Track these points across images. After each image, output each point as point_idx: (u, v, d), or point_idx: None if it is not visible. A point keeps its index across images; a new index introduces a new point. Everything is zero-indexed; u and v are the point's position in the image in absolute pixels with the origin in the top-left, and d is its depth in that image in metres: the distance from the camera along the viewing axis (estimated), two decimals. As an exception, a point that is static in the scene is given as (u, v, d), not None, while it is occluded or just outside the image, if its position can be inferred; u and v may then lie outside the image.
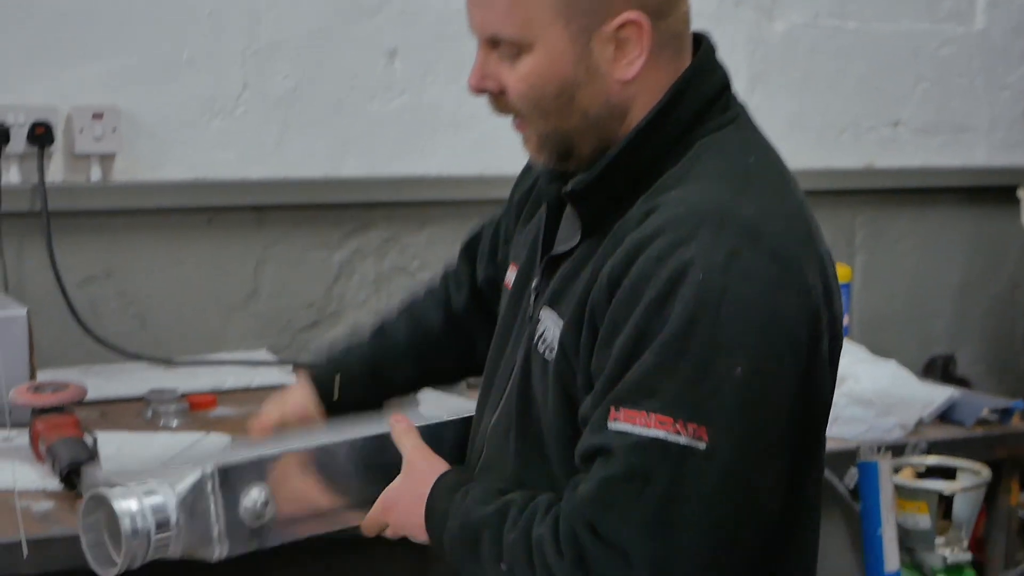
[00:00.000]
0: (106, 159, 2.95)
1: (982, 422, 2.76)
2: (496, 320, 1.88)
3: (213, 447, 2.42)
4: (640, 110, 1.64)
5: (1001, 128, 3.90)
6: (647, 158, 1.63)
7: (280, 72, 3.09)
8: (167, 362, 2.99)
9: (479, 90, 1.67)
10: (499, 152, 3.23)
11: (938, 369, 3.82)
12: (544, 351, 1.67)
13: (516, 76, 1.62)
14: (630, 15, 1.59)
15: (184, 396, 2.70)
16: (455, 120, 3.25)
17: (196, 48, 3.01)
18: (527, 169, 1.99)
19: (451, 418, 1.87)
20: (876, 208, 3.78)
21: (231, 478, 1.68)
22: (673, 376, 1.48)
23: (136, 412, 2.67)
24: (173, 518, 1.64)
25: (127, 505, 1.64)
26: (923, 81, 3.79)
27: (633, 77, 1.62)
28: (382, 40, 3.17)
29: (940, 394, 2.78)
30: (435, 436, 1.82)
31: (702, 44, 1.69)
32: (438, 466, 1.74)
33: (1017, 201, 3.68)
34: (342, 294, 3.20)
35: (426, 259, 3.28)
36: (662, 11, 1.62)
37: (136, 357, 2.98)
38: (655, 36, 1.61)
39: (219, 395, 2.79)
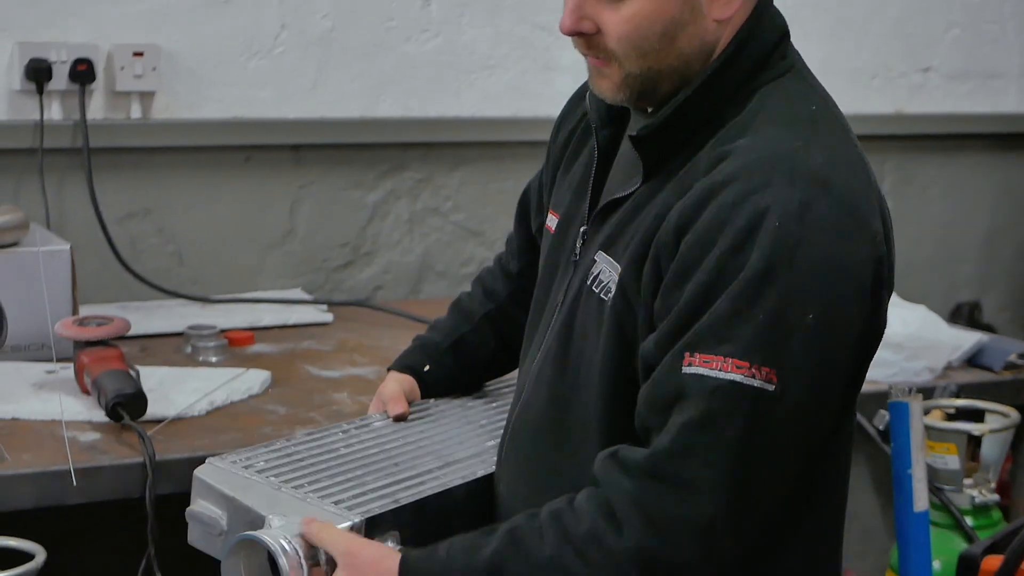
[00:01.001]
0: (146, 97, 2.98)
1: (1010, 366, 2.79)
2: None
3: (254, 381, 2.47)
4: (723, 49, 1.66)
5: (1032, 74, 3.91)
6: (712, 105, 1.65)
7: (318, 12, 3.11)
8: (205, 299, 3.03)
9: (574, 31, 1.66)
10: (532, 95, 3.29)
11: (964, 315, 3.85)
12: (600, 292, 1.69)
13: (621, 17, 1.62)
14: None
15: (222, 332, 2.74)
16: (489, 62, 3.27)
17: (235, -13, 3.04)
18: (564, 117, 2.00)
19: (403, 503, 1.81)
20: (905, 154, 3.79)
21: (374, 527, 1.71)
22: (749, 321, 1.51)
23: (176, 347, 2.71)
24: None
25: (282, 544, 1.66)
26: (954, 27, 3.80)
27: (729, 16, 1.64)
28: (419, -19, 3.19)
29: (968, 338, 2.81)
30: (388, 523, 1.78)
31: None
32: (385, 549, 1.66)
33: (1046, 148, 3.70)
34: (376, 234, 3.24)
35: (459, 200, 3.31)
36: None
37: (174, 294, 3.02)
38: None
39: (256, 332, 2.83)
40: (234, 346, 2.73)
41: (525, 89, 3.29)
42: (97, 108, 2.95)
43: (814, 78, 1.72)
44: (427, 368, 2.11)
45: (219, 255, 3.11)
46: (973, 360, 2.81)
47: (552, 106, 3.20)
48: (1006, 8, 3.84)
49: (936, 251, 3.87)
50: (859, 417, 2.50)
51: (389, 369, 2.16)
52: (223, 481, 1.80)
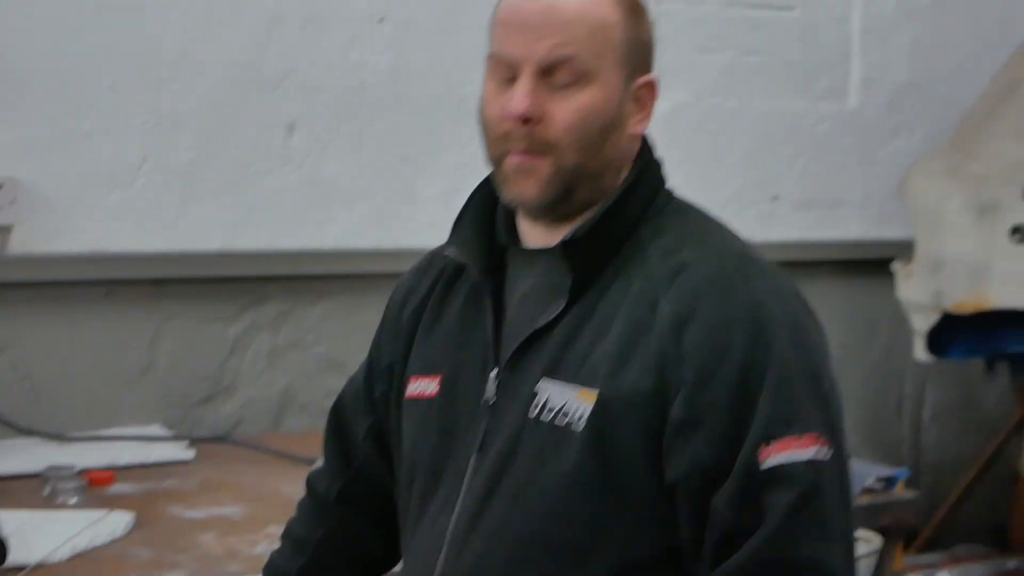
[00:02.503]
0: (3, 231, 2.94)
1: (868, 490, 2.85)
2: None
3: (117, 524, 2.42)
4: (628, 168, 1.73)
5: (874, 203, 4.03)
6: (632, 215, 1.71)
7: (180, 144, 3.10)
8: (62, 437, 2.96)
9: (529, 114, 1.66)
10: (394, 226, 3.31)
11: (817, 438, 3.91)
12: (554, 419, 1.66)
13: (571, 106, 1.66)
14: (652, 76, 1.73)
15: (82, 472, 2.68)
16: (351, 194, 3.28)
17: (96, 119, 3.01)
18: (409, 291, 1.92)
19: None
20: (757, 281, 3.87)
21: None
22: (797, 401, 1.60)
23: (33, 489, 2.64)
24: None
25: None
26: (800, 157, 3.91)
27: (639, 133, 1.73)
28: (281, 114, 3.20)
29: (828, 465, 2.86)
30: None
31: None
32: None
33: (890, 273, 3.80)
34: (237, 368, 3.21)
35: (321, 333, 3.30)
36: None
37: (30, 432, 2.95)
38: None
39: (117, 471, 2.77)
40: (94, 486, 2.67)
41: (387, 221, 3.30)
42: (-48, 243, 2.90)
43: None
44: None
45: (77, 391, 3.05)
46: (833, 486, 2.86)
47: (414, 237, 3.26)
48: (849, 139, 3.98)
49: (788, 375, 3.94)
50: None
51: None
52: None
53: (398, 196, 3.32)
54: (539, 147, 1.68)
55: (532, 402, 1.69)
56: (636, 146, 1.73)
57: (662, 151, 3.74)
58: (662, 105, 3.54)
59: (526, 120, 1.67)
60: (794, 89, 3.88)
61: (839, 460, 1.62)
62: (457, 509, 1.75)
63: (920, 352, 3.73)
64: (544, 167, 1.68)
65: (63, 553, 2.27)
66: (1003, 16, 4.10)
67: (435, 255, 1.88)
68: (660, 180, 1.77)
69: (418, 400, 1.83)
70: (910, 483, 3.96)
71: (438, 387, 1.81)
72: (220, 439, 3.11)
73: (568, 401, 1.66)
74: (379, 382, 1.92)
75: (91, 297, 3.05)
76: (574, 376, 1.66)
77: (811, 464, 1.58)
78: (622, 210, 1.71)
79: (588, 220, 1.70)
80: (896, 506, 2.88)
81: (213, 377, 3.19)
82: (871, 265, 3.98)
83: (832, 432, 1.62)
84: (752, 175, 3.85)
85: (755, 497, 1.58)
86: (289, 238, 3.23)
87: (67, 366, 3.04)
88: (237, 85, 3.14)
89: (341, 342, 3.31)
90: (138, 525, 2.46)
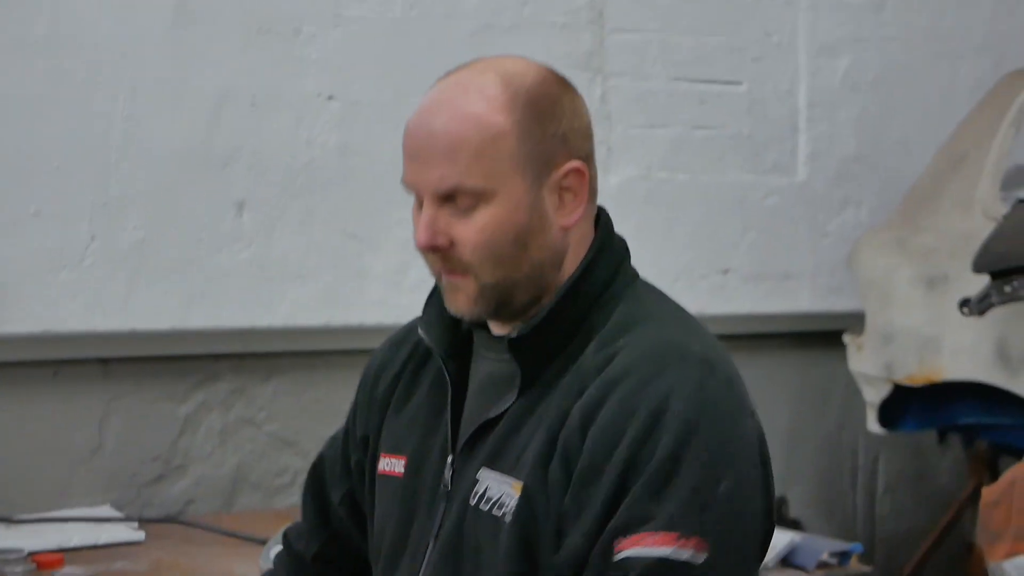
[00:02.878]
0: (-50, 313, 2.92)
1: (822, 565, 2.84)
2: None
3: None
4: (572, 258, 1.72)
5: (824, 274, 4.06)
6: (579, 311, 1.70)
7: (129, 224, 3.10)
8: (9, 519, 2.93)
9: (431, 247, 1.68)
10: (344, 303, 3.31)
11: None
12: (491, 508, 1.68)
13: (474, 228, 1.66)
14: (575, 163, 1.69)
15: (30, 555, 2.65)
16: (301, 272, 3.28)
17: (43, 200, 3.01)
18: (383, 365, 1.94)
19: None
20: (709, 353, 3.87)
21: None
22: (668, 499, 1.57)
23: (-19, 573, 2.61)
24: None
25: None
26: (750, 230, 3.94)
27: (573, 224, 1.70)
28: (231, 192, 3.20)
29: (781, 539, 2.86)
30: None
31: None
32: None
33: (842, 345, 3.81)
34: (188, 447, 3.19)
35: (272, 410, 3.28)
36: (591, 158, 1.73)
37: (-23, 515, 2.92)
38: (589, 183, 1.71)
39: (66, 553, 2.74)
40: (43, 569, 2.63)
41: (337, 298, 3.30)
42: (-102, 325, 2.88)
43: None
44: None
45: (25, 472, 3.02)
46: (787, 560, 2.86)
47: (364, 314, 3.28)
48: (797, 211, 4.00)
49: (742, 448, 3.94)
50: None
51: None
52: None
53: (347, 273, 3.32)
54: (458, 267, 1.69)
55: (472, 490, 1.70)
56: (577, 235, 1.72)
57: (614, 225, 3.78)
58: (611, 180, 3.68)
59: (433, 249, 1.68)
60: (743, 162, 3.91)
61: (723, 566, 1.58)
62: None
63: (872, 424, 3.73)
64: (469, 285, 1.70)
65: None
66: (947, 90, 4.15)
67: (411, 328, 1.89)
68: (615, 264, 1.75)
69: (388, 477, 1.85)
70: (865, 557, 3.97)
71: (403, 468, 1.83)
72: (171, 519, 3.09)
73: (504, 492, 1.68)
74: (354, 451, 1.95)
75: (40, 377, 3.03)
76: (511, 468, 1.68)
77: (663, 562, 1.55)
78: (569, 305, 1.71)
79: (532, 320, 1.71)
80: (850, 581, 2.88)
81: (163, 456, 3.16)
82: (823, 337, 3.99)
83: (714, 536, 1.57)
84: (703, 248, 3.87)
85: None
86: (239, 316, 3.23)
87: (15, 446, 3.01)
88: (185, 164, 3.14)
89: (293, 420, 3.29)
90: (86, 610, 2.43)
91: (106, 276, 3.08)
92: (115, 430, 3.11)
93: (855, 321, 3.83)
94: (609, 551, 1.57)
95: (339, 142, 3.30)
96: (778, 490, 3.95)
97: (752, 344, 3.96)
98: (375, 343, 3.14)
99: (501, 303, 1.71)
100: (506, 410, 1.72)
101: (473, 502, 1.70)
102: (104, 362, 3.09)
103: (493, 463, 1.70)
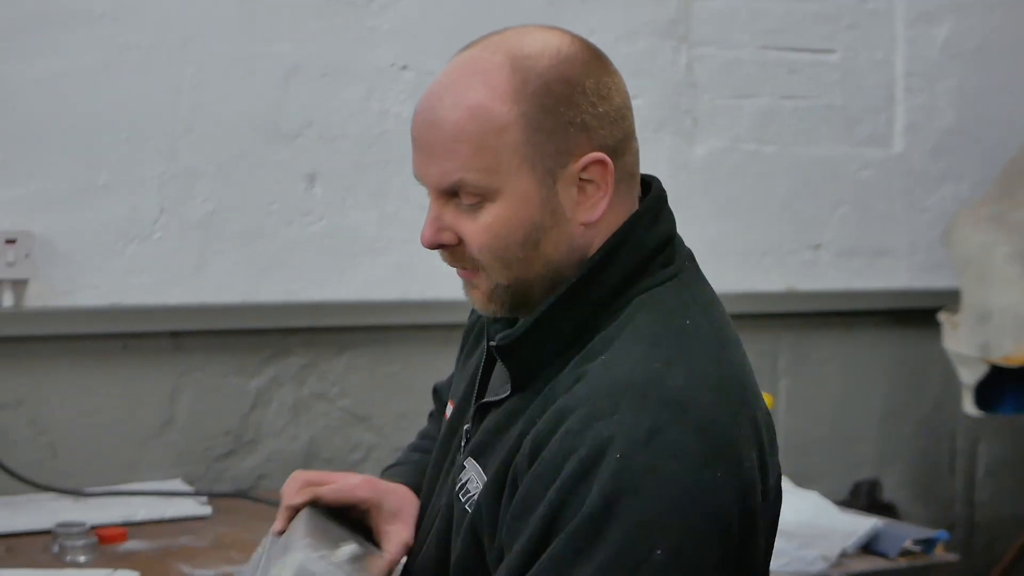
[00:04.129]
0: (18, 285, 2.90)
1: (906, 553, 2.73)
2: None
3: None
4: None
5: (921, 251, 3.93)
6: (579, 316, 1.56)
7: (198, 196, 3.06)
8: (78, 493, 2.91)
9: (435, 245, 1.57)
10: (419, 277, 3.24)
11: (863, 494, 3.81)
12: (466, 502, 1.60)
13: (479, 226, 1.53)
14: (595, 155, 1.54)
15: (93, 529, 2.63)
16: (374, 245, 3.23)
17: (112, 172, 2.97)
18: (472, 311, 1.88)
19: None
20: (799, 332, 3.78)
21: None
22: (589, 560, 1.39)
23: (43, 546, 2.59)
24: None
25: None
26: (843, 204, 3.82)
27: (598, 218, 1.56)
28: (301, 164, 3.15)
29: (863, 524, 2.75)
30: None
31: (651, 188, 1.63)
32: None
33: (938, 323, 3.69)
34: (259, 422, 3.15)
35: (345, 386, 3.24)
36: (619, 150, 1.56)
37: (46, 488, 2.90)
38: (617, 174, 1.56)
39: (130, 528, 2.72)
40: (105, 543, 2.62)
41: (412, 271, 3.24)
42: (-33, 297, 2.87)
43: (701, 285, 1.62)
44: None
45: (95, 446, 3.00)
46: (869, 547, 2.75)
47: (439, 288, 3.21)
48: (894, 185, 3.87)
49: (834, 429, 3.84)
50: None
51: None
52: None
53: (422, 247, 3.25)
54: (469, 264, 1.58)
55: (459, 476, 1.63)
56: (605, 228, 1.57)
57: (700, 198, 3.71)
58: (697, 151, 3.58)
59: (439, 246, 1.58)
60: (835, 134, 3.79)
61: None
62: (418, 561, 1.71)
63: (968, 407, 3.61)
64: (482, 283, 1.58)
65: (57, 614, 2.22)
66: (1052, 58, 4.00)
67: None
68: (635, 263, 1.57)
69: (444, 420, 1.80)
70: (963, 542, 3.85)
71: (450, 416, 1.77)
72: (242, 494, 3.05)
73: (476, 489, 1.59)
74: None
75: (109, 350, 3.01)
76: (487, 467, 1.58)
77: None
78: (560, 314, 1.56)
79: (520, 326, 1.58)
80: (935, 570, 2.75)
81: (235, 431, 3.13)
82: (920, 315, 3.87)
83: None
84: (792, 223, 3.76)
85: None
86: (311, 289, 3.18)
87: (85, 421, 2.99)
88: (255, 135, 3.10)
89: (366, 395, 3.24)
90: (143, 584, 2.40)
91: (176, 248, 3.04)
92: (186, 404, 3.08)
93: (954, 298, 3.71)
94: None
95: (412, 113, 3.22)
96: (872, 473, 3.85)
97: (845, 322, 3.85)
98: (449, 317, 3.10)
99: (516, 302, 1.58)
100: (503, 400, 1.62)
101: (457, 488, 1.63)
102: (175, 335, 3.05)
103: (479, 454, 1.61)
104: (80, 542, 2.57)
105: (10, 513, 2.74)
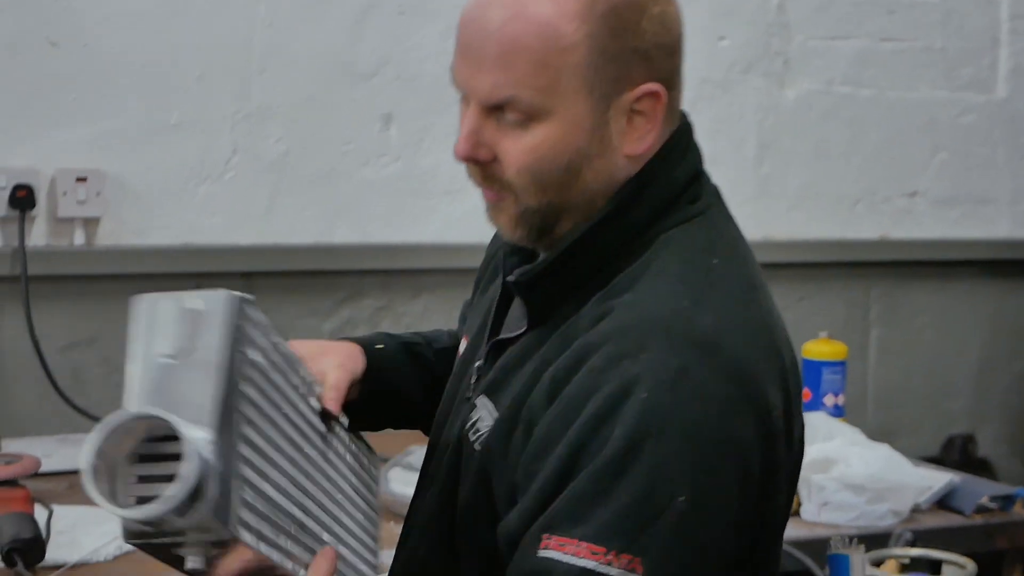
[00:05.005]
0: (90, 223, 2.91)
1: (981, 510, 2.64)
2: None
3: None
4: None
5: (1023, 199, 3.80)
6: (602, 253, 1.50)
7: (271, 136, 3.04)
8: (148, 431, 2.92)
9: (469, 159, 1.50)
10: (496, 220, 3.19)
11: (957, 449, 3.71)
12: (475, 441, 1.55)
13: (522, 147, 1.45)
14: (652, 86, 1.47)
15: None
16: (451, 187, 3.19)
17: (184, 111, 2.97)
18: (491, 242, 1.85)
19: None
20: (892, 281, 3.68)
21: None
22: (608, 503, 1.34)
23: (105, 484, 2.60)
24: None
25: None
26: (941, 151, 3.70)
27: (643, 152, 1.49)
28: (377, 105, 3.12)
29: (939, 479, 2.66)
30: None
31: (680, 124, 1.56)
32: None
33: (1040, 275, 3.58)
34: (332, 363, 3.13)
35: (421, 329, 3.19)
36: (675, 83, 1.50)
37: (117, 426, 2.91)
38: (666, 110, 1.49)
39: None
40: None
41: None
42: (39, 235, 2.89)
43: (729, 224, 1.56)
44: (379, 346, 1.81)
45: (166, 385, 3.01)
46: (944, 502, 2.66)
47: (516, 232, 3.16)
48: (996, 132, 3.74)
49: (927, 382, 3.74)
50: (811, 566, 2.37)
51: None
52: None
53: (497, 188, 3.21)
54: (497, 185, 1.50)
55: (471, 414, 1.57)
56: (636, 166, 1.50)
57: (790, 142, 3.62)
58: (788, 94, 3.49)
59: (472, 161, 1.50)
60: (935, 78, 3.67)
61: None
62: (422, 501, 1.66)
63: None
64: (510, 206, 1.51)
65: (108, 551, 2.22)
66: None
67: None
68: (663, 200, 1.51)
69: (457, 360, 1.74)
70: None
71: (462, 353, 1.72)
72: (313, 437, 3.04)
73: (487, 426, 1.53)
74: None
75: (180, 290, 2.99)
76: (498, 405, 1.53)
77: (586, 572, 1.32)
78: (584, 249, 1.50)
79: (541, 261, 1.52)
80: (1012, 528, 2.66)
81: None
82: (1020, 265, 3.75)
83: (653, 558, 1.33)
84: (888, 169, 3.65)
85: None
86: (386, 231, 3.15)
87: (157, 360, 3.00)
88: (329, 74, 3.07)
89: (442, 339, 3.21)
90: (195, 524, 2.39)
91: (248, 189, 3.03)
92: (258, 345, 3.07)
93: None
94: (536, 543, 1.37)
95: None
96: (966, 427, 3.74)
97: (942, 272, 3.74)
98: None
99: (544, 228, 1.51)
100: (518, 336, 1.56)
101: (467, 427, 1.57)
102: (246, 276, 3.05)
103: (492, 392, 1.55)
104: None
105: (78, 450, 2.70)
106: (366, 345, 1.75)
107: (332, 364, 1.62)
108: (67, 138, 2.88)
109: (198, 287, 2.97)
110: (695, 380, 1.37)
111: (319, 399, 1.56)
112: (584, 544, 1.34)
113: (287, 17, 3.02)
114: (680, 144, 1.54)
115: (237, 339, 1.33)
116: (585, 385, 1.39)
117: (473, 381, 1.63)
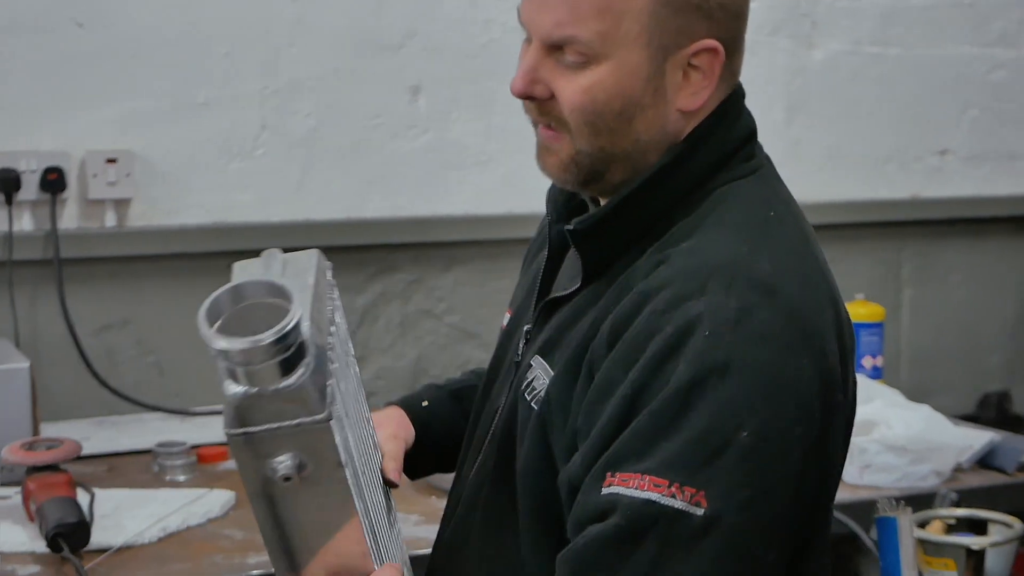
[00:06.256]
0: (121, 204, 2.91)
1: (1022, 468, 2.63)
2: None
3: (214, 503, 2.36)
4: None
5: (1056, 155, 3.77)
6: (659, 204, 1.53)
7: (300, 111, 3.03)
8: (184, 412, 2.92)
9: (526, 95, 1.54)
10: (527, 190, 3.15)
11: (992, 406, 3.69)
12: (532, 400, 1.56)
13: (578, 86, 1.50)
14: (710, 43, 1.51)
15: (194, 448, 2.63)
16: (481, 158, 3.18)
17: (212, 89, 2.96)
18: (548, 200, 1.85)
19: None
20: (924, 240, 3.66)
21: None
22: (672, 437, 1.37)
23: (144, 466, 2.61)
24: None
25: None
26: (971, 108, 3.67)
27: (696, 108, 1.53)
28: (405, 77, 3.10)
29: (979, 438, 2.65)
30: None
31: (736, 88, 1.60)
32: None
33: (1073, 230, 3.55)
34: (367, 339, 3.13)
35: (453, 302, 3.20)
36: (736, 46, 1.55)
37: (153, 408, 2.92)
38: (724, 70, 1.53)
39: (232, 446, 2.72)
40: (204, 463, 2.62)
41: (519, 184, 3.18)
42: (70, 217, 2.88)
43: (781, 184, 1.60)
44: (425, 404, 1.88)
45: (201, 366, 2.99)
46: (985, 461, 2.65)
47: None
48: (1026, 87, 3.72)
49: (960, 340, 3.72)
50: (856, 529, 2.36)
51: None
52: None
53: (529, 158, 3.14)
54: (555, 123, 1.53)
55: (525, 375, 1.59)
56: (690, 122, 1.54)
57: (818, 103, 3.59)
58: (816, 55, 3.46)
59: (529, 98, 1.53)
60: (964, 34, 3.64)
61: (731, 528, 1.35)
62: (474, 471, 1.66)
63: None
64: (564, 147, 1.53)
65: (152, 534, 2.22)
66: None
67: None
68: (718, 156, 1.55)
69: (501, 331, 1.77)
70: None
71: (506, 324, 1.75)
72: (349, 412, 3.04)
73: (542, 386, 1.55)
74: None
75: (214, 269, 2.98)
76: (555, 363, 1.54)
77: (650, 505, 1.35)
78: (641, 201, 1.53)
79: (598, 210, 1.55)
80: (1055, 485, 2.65)
81: (342, 349, 3.11)
82: (1054, 221, 3.73)
83: (719, 490, 1.35)
84: (917, 128, 3.62)
85: (583, 522, 1.41)
86: (417, 204, 3.14)
87: (191, 340, 2.94)
88: (357, 47, 3.05)
89: (474, 311, 3.21)
90: (238, 504, 2.39)
91: (278, 165, 3.02)
92: (292, 321, 3.06)
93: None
94: (599, 481, 1.39)
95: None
96: (1001, 385, 3.72)
97: (973, 229, 3.71)
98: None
99: (593, 175, 1.54)
100: (573, 294, 1.58)
101: (523, 388, 1.58)
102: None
103: (546, 352, 1.57)
104: (179, 461, 2.58)
105: (115, 433, 2.76)
106: (413, 405, 1.84)
107: (386, 435, 1.67)
108: (95, 119, 2.87)
109: (230, 267, 2.98)
110: (756, 320, 1.40)
111: (381, 471, 1.59)
112: (648, 477, 1.36)
113: (312, -9, 3.00)
114: (736, 105, 1.58)
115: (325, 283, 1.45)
116: (647, 327, 1.42)
117: (522, 345, 1.64)
